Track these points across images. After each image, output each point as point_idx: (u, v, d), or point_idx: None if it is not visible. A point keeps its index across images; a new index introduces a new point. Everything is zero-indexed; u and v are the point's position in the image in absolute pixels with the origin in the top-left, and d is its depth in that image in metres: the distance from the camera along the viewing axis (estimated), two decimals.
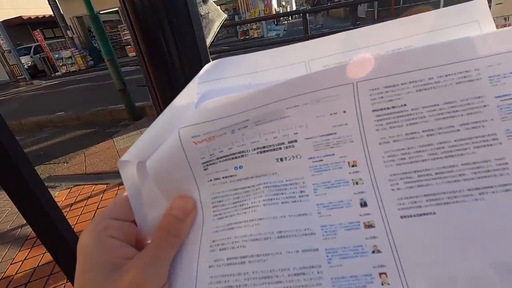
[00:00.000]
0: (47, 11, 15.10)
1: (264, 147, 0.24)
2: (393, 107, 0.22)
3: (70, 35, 14.18)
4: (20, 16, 17.03)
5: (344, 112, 0.23)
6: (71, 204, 2.42)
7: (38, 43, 15.09)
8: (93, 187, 2.66)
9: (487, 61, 0.21)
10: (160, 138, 0.25)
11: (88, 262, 0.23)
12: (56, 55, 13.97)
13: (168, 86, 0.54)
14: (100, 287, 0.22)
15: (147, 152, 0.25)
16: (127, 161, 0.25)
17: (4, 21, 14.31)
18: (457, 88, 0.21)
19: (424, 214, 0.21)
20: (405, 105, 0.22)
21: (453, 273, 0.19)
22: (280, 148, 0.24)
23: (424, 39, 0.25)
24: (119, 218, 0.25)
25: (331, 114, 0.23)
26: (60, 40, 15.16)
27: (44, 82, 12.18)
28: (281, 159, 0.24)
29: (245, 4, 15.00)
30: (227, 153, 0.25)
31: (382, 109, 0.22)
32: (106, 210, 0.25)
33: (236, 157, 0.25)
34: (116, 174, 2.83)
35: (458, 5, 0.25)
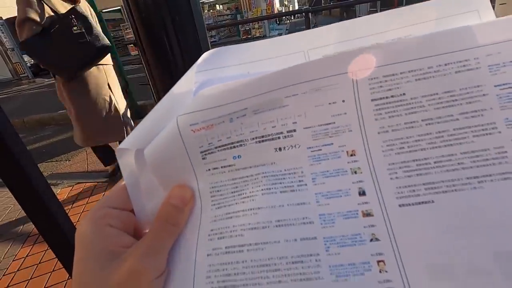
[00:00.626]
0: None
1: (262, 136, 0.24)
2: (392, 96, 0.22)
3: None
4: None
5: (343, 101, 0.23)
6: (73, 202, 2.43)
7: None
8: (95, 184, 2.67)
9: (486, 50, 0.21)
10: (158, 126, 0.25)
11: (86, 250, 0.23)
12: None
13: (170, 85, 0.54)
14: (98, 276, 0.22)
15: (145, 140, 0.25)
16: (125, 149, 0.25)
17: (7, 19, 14.35)
18: (456, 77, 0.21)
19: (422, 202, 0.21)
20: (404, 94, 0.22)
21: (451, 261, 0.19)
22: (279, 138, 0.24)
23: (424, 28, 0.25)
24: (117, 207, 0.25)
25: (330, 104, 0.23)
26: None
27: (46, 80, 12.21)
28: (280, 149, 0.24)
29: (247, 3, 14.98)
30: (225, 142, 0.25)
31: (381, 99, 0.22)
32: (105, 199, 0.25)
33: (234, 147, 0.25)
34: None
35: None
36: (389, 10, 0.26)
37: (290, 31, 14.56)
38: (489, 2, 0.24)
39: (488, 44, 0.21)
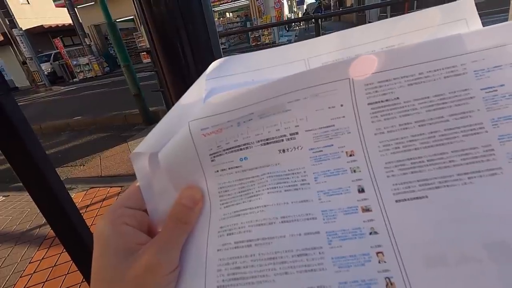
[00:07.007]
0: (67, 19, 15.70)
1: (267, 139, 0.26)
2: (386, 100, 0.24)
3: (88, 43, 14.69)
4: (42, 25, 17.79)
5: (342, 105, 0.24)
6: (87, 206, 2.48)
7: (58, 51, 15.70)
8: (108, 189, 2.72)
9: (472, 57, 0.22)
10: (170, 131, 0.27)
11: (105, 247, 0.24)
12: (74, 62, 14.48)
13: (183, 90, 0.55)
14: (116, 270, 0.23)
15: (159, 144, 0.27)
16: (140, 153, 0.27)
17: (27, 29, 14.96)
18: (445, 82, 0.23)
19: (417, 198, 0.22)
20: (398, 98, 0.23)
21: (444, 250, 0.21)
22: (282, 140, 0.26)
23: (416, 36, 0.26)
24: (132, 207, 0.26)
25: (329, 108, 0.25)
26: (78, 47, 15.73)
27: (62, 88, 12.63)
28: (284, 151, 0.26)
29: (257, 11, 15.14)
30: (233, 145, 0.26)
31: (376, 102, 0.24)
32: (120, 200, 0.27)
33: (241, 149, 0.26)
34: (130, 177, 2.89)
35: (447, 4, 0.26)
36: (383, 20, 0.28)
37: (299, 37, 14.59)
38: (476, 11, 0.26)
39: (474, 51, 0.22)
